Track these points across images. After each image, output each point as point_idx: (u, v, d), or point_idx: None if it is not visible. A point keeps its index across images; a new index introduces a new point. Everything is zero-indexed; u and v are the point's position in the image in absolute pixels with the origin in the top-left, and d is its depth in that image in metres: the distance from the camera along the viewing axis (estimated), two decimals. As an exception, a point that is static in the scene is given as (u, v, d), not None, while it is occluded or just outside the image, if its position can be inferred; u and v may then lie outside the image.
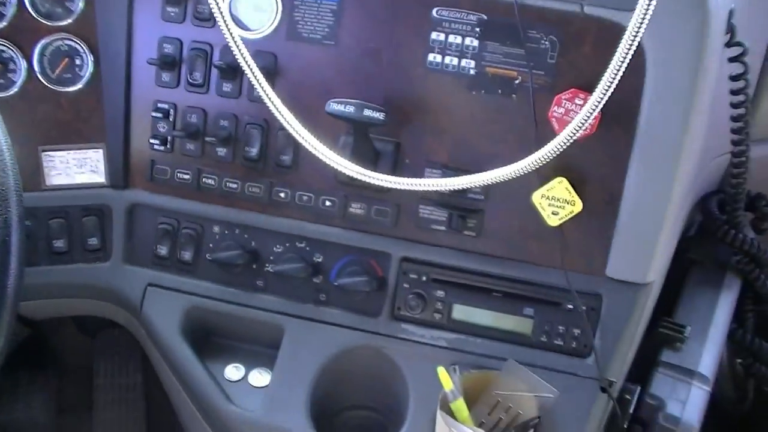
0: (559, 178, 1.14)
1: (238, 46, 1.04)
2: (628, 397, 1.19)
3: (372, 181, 1.09)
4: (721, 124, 1.20)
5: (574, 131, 0.97)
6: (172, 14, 1.27)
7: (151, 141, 1.31)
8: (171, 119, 1.30)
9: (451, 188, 1.10)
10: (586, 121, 0.95)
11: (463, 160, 1.19)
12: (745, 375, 1.50)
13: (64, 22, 1.30)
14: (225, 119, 1.27)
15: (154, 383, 1.48)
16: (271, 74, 1.23)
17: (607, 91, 0.93)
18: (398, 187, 1.09)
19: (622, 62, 0.91)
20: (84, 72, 1.32)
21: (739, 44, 1.12)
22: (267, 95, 1.07)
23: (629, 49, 0.90)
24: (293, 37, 1.23)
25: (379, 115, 1.14)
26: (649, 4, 0.85)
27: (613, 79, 0.92)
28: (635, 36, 0.88)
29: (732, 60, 1.13)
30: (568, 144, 0.98)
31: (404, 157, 1.21)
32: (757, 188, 1.40)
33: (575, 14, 1.11)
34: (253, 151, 1.27)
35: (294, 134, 1.08)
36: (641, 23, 0.87)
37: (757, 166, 1.32)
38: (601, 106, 0.95)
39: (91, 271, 1.37)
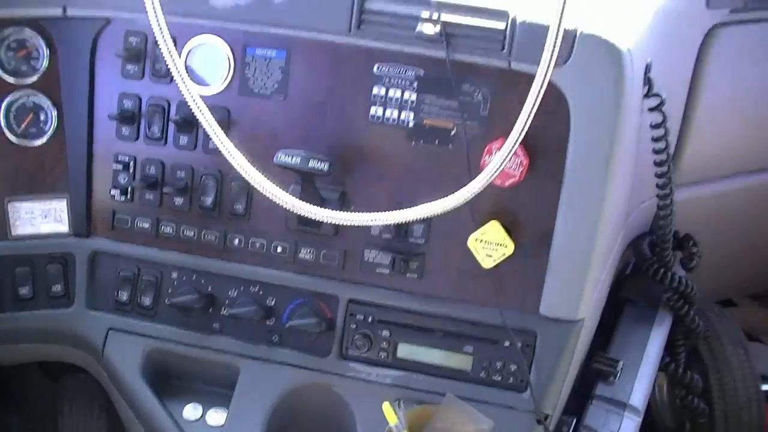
0: (491, 222, 1.21)
1: (195, 102, 1.10)
2: (564, 429, 1.25)
3: (322, 218, 1.14)
4: (646, 171, 1.27)
5: (492, 173, 1.05)
6: (132, 71, 1.34)
7: (112, 191, 1.37)
8: (131, 170, 1.36)
9: (386, 223, 1.16)
10: (501, 163, 1.03)
11: (404, 206, 1.24)
12: (681, 407, 1.56)
13: (30, 80, 1.36)
14: (182, 170, 1.33)
15: (118, 425, 1.52)
16: (224, 127, 1.28)
17: (519, 135, 1.01)
18: (343, 222, 1.14)
19: (532, 107, 1.00)
20: (48, 126, 1.37)
21: (656, 95, 1.19)
22: (223, 144, 1.13)
23: (537, 96, 0.98)
24: (245, 93, 1.30)
25: (324, 166, 1.21)
26: (550, 59, 0.93)
27: (525, 123, 1.00)
28: (542, 83, 0.96)
29: (652, 110, 1.21)
30: (486, 183, 1.06)
31: (349, 204, 1.28)
32: (687, 229, 1.47)
33: (504, 70, 1.18)
34: (209, 200, 1.33)
35: (248, 178, 1.14)
36: (545, 74, 0.95)
37: (686, 208, 1.40)
38: (514, 148, 1.04)
39: (55, 316, 1.42)
